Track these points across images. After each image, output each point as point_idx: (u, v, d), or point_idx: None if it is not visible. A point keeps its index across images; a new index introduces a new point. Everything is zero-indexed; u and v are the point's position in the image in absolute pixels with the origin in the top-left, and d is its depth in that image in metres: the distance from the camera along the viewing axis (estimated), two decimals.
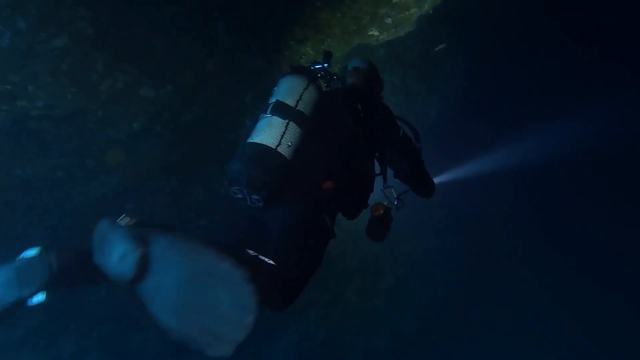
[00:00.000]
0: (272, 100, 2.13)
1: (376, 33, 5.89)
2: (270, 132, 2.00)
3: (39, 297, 1.62)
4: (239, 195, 2.02)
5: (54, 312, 4.81)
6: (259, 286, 1.65)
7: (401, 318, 7.99)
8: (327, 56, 2.61)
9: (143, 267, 1.45)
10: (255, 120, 2.14)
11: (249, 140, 2.03)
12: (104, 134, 3.75)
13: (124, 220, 1.70)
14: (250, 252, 1.80)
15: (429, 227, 9.86)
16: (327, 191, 2.11)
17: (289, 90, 2.16)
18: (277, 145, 1.98)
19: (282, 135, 2.00)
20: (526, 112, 9.58)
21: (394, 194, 2.54)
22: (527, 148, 9.52)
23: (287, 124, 2.03)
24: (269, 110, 2.08)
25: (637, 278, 8.59)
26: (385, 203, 2.48)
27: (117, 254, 1.49)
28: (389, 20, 5.76)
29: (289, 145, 2.01)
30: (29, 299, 1.60)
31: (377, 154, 2.44)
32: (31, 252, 1.68)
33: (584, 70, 9.06)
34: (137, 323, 5.57)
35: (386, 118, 2.41)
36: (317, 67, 2.54)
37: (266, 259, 1.80)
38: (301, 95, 2.14)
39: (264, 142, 1.98)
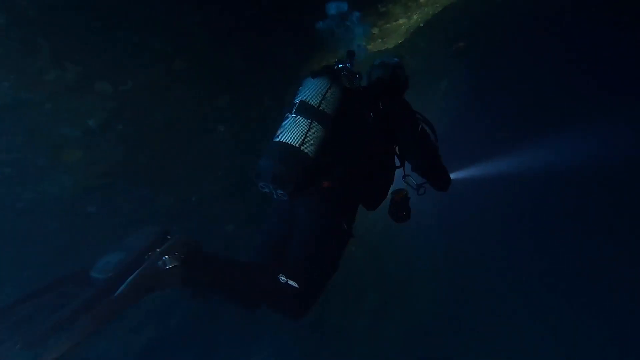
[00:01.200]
0: (297, 100, 2.23)
1: (362, 43, 5.62)
2: (294, 132, 2.10)
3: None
4: (266, 190, 2.16)
5: None
6: (285, 310, 2.02)
7: (384, 341, 7.53)
8: (351, 56, 2.64)
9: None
10: (281, 119, 2.23)
11: (275, 138, 2.14)
12: (55, 129, 3.45)
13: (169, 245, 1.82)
14: (282, 278, 1.94)
15: (418, 246, 9.47)
16: (327, 189, 2.20)
17: (312, 90, 2.25)
18: (301, 144, 2.07)
19: (306, 135, 2.10)
20: (522, 129, 9.25)
21: (414, 182, 2.68)
22: (522, 165, 9.17)
23: (311, 123, 2.13)
24: (294, 110, 2.18)
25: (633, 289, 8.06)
26: (404, 189, 2.64)
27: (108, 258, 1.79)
28: (375, 30, 5.50)
29: (312, 144, 2.10)
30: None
31: (397, 147, 2.52)
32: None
33: (584, 88, 8.75)
34: (98, 333, 5.20)
35: (405, 114, 2.47)
36: (340, 66, 2.58)
37: (293, 283, 1.95)
38: (324, 95, 2.23)
39: (289, 141, 2.08)
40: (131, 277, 1.66)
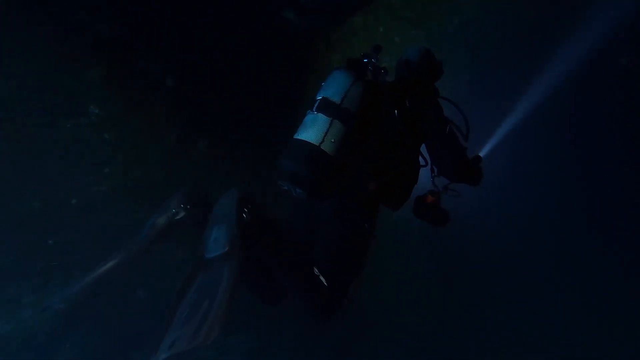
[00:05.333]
0: (319, 96, 2.11)
1: (291, 16, 4.41)
2: (314, 130, 2.00)
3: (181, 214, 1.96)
4: (285, 187, 2.07)
5: None
6: (312, 306, 1.98)
7: None
8: (377, 50, 2.40)
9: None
10: (302, 115, 2.13)
11: (295, 136, 2.06)
12: None
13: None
14: (316, 270, 1.93)
15: (406, 265, 7.89)
16: (372, 192, 2.13)
17: (336, 86, 2.10)
18: (321, 143, 1.97)
19: (326, 133, 1.99)
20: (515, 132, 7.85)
21: (443, 182, 2.49)
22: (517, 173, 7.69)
23: (332, 121, 2.01)
24: (315, 107, 2.07)
25: None
26: (436, 190, 2.45)
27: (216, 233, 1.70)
28: None
29: (333, 142, 1.99)
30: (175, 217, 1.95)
31: (424, 145, 2.39)
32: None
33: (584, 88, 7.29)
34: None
35: (433, 114, 2.32)
36: (365, 61, 2.34)
37: (323, 280, 1.92)
38: (347, 91, 2.08)
39: (308, 139, 1.99)
40: (224, 237, 1.65)
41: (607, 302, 7.22)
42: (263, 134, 5.60)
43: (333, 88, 2.10)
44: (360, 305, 6.52)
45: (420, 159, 2.44)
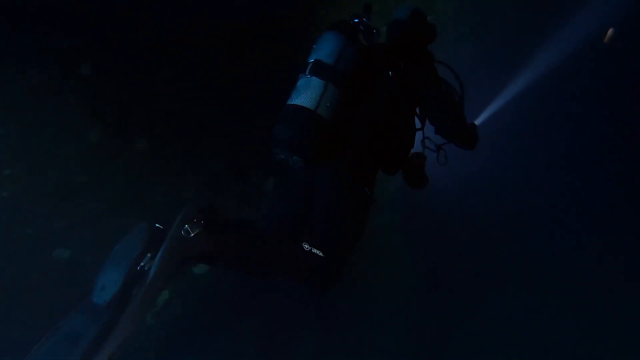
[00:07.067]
0: (311, 59, 1.98)
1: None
2: (309, 94, 1.89)
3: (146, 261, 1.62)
4: (282, 156, 1.98)
5: None
6: (309, 279, 1.81)
7: None
8: (367, 9, 2.23)
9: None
10: (294, 80, 1.99)
11: (289, 101, 1.94)
12: None
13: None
14: (306, 246, 1.79)
15: (387, 269, 7.21)
16: (349, 159, 1.98)
17: (328, 47, 1.98)
18: (316, 107, 1.86)
19: (321, 97, 1.87)
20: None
21: (434, 146, 2.41)
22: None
23: (326, 84, 1.89)
24: (308, 70, 1.93)
25: None
26: (422, 154, 2.33)
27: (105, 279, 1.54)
28: None
29: (328, 106, 1.88)
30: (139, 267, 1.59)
31: (418, 108, 2.30)
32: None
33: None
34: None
35: (427, 75, 2.21)
36: (356, 21, 2.18)
37: (317, 252, 1.79)
38: (340, 53, 1.96)
39: (303, 104, 1.87)
40: (158, 256, 1.49)
41: (604, 300, 6.68)
42: (219, 132, 4.95)
43: (326, 49, 1.96)
44: (335, 319, 5.82)
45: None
